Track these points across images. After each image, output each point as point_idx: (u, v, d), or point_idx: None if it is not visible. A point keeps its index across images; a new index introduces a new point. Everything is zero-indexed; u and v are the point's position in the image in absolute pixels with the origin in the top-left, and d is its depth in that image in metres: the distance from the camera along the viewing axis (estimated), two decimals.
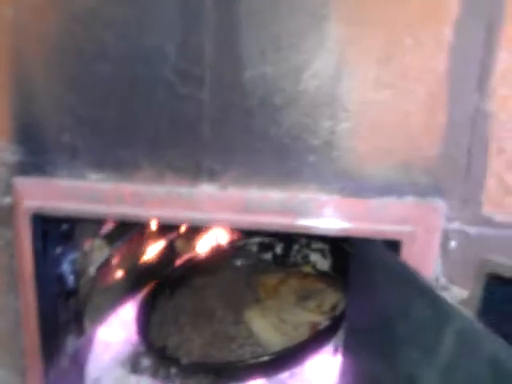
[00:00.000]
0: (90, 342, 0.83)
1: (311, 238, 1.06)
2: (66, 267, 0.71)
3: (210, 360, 0.82)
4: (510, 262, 0.52)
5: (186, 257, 1.07)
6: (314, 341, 0.79)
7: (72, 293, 0.73)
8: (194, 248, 1.08)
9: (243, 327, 0.89)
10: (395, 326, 0.48)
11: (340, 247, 0.98)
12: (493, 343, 0.35)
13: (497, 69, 0.52)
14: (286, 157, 0.57)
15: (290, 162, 0.57)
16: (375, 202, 0.57)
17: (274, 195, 0.58)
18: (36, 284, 0.65)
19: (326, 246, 1.03)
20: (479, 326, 0.37)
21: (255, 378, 0.81)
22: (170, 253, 1.05)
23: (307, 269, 1.04)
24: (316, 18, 0.53)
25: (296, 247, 1.08)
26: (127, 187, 0.60)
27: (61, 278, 0.71)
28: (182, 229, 1.05)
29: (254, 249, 1.10)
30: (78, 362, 0.79)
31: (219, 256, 1.08)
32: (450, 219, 0.57)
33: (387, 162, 0.57)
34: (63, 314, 0.72)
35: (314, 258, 1.05)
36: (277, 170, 0.58)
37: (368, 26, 0.53)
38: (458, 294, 0.55)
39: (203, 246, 1.10)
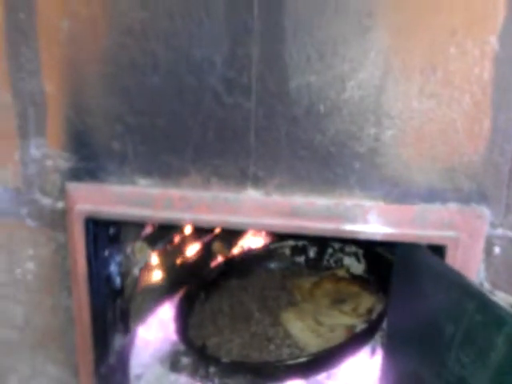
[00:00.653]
0: (132, 341, 0.86)
1: (345, 242, 1.07)
2: (113, 268, 0.74)
3: (249, 360, 0.83)
4: None
5: (221, 259, 1.09)
6: (351, 343, 0.80)
7: (119, 293, 0.76)
8: (229, 250, 1.10)
9: (280, 329, 0.90)
10: (443, 329, 0.49)
11: (374, 251, 0.99)
12: None
13: None
14: (331, 164, 0.59)
15: (334, 169, 0.59)
16: (419, 208, 0.58)
17: (319, 201, 0.59)
18: (88, 284, 0.68)
19: (359, 250, 1.04)
20: None
21: (293, 379, 0.82)
22: (206, 255, 1.07)
23: (341, 272, 1.05)
24: (361, 27, 0.55)
25: (329, 251, 1.09)
26: (175, 192, 0.62)
27: (109, 279, 0.73)
28: (218, 231, 1.07)
29: (288, 252, 1.11)
30: (124, 359, 0.82)
31: (253, 259, 1.10)
32: (493, 225, 0.58)
33: (431, 169, 0.57)
34: (111, 314, 0.75)
35: (348, 261, 1.06)
36: (322, 176, 0.59)
37: (412, 36, 0.54)
38: (504, 300, 0.56)
39: (238, 249, 1.11)
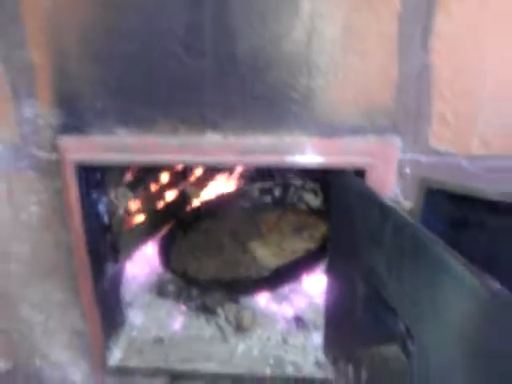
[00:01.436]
0: (122, 270, 1.01)
1: (305, 181, 1.23)
2: (101, 208, 0.88)
3: (223, 278, 1.00)
4: (445, 179, 0.68)
5: (196, 202, 1.24)
6: (305, 260, 0.96)
7: (107, 229, 0.90)
8: (202, 194, 1.25)
9: (249, 255, 1.07)
10: (360, 233, 0.65)
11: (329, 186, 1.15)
12: (412, 225, 0.52)
13: (435, 30, 0.67)
14: (274, 109, 0.72)
15: (276, 113, 0.73)
16: (345, 141, 0.72)
17: (265, 140, 0.73)
18: (82, 221, 0.82)
19: (317, 186, 1.19)
20: (408, 220, 0.54)
21: (260, 291, 0.99)
22: (182, 199, 1.22)
23: (302, 206, 1.21)
24: None
25: (292, 189, 1.25)
26: (148, 139, 0.76)
27: (98, 217, 0.87)
28: (192, 178, 1.21)
29: (256, 193, 1.27)
30: (116, 284, 0.97)
31: (225, 200, 1.25)
32: (404, 151, 0.73)
33: (354, 110, 0.72)
34: (103, 246, 0.89)
35: (308, 197, 1.22)
36: (266, 120, 0.73)
37: (334, 2, 0.67)
38: (407, 206, 0.72)
39: (211, 193, 1.26)
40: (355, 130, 0.73)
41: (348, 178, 0.72)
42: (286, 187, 1.25)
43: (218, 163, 0.76)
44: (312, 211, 1.18)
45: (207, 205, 1.24)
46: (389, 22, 0.67)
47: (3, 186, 0.83)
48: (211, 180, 1.26)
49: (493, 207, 0.63)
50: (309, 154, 0.73)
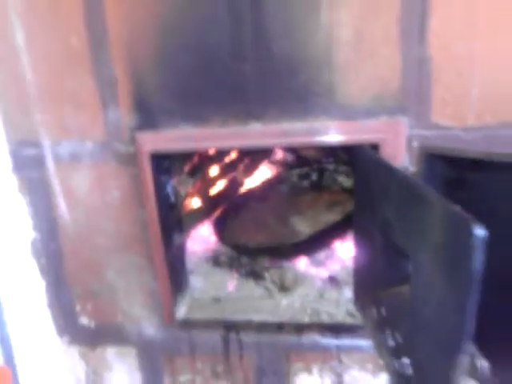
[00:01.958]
0: (185, 244, 1.22)
1: (338, 165, 1.41)
2: (169, 189, 1.09)
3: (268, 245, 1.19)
4: (443, 145, 0.85)
5: (244, 188, 1.44)
6: (337, 228, 1.14)
7: (174, 206, 1.12)
8: (249, 181, 1.45)
9: (289, 228, 1.25)
10: (375, 193, 0.83)
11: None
12: (410, 179, 0.69)
13: (429, 28, 0.84)
14: (303, 100, 0.91)
15: (306, 104, 0.91)
16: (361, 122, 0.90)
17: (298, 125, 0.92)
18: (155, 201, 1.03)
19: (349, 169, 1.37)
20: (408, 176, 0.71)
21: (299, 256, 1.18)
22: (232, 186, 1.42)
23: (335, 188, 1.38)
24: (313, 5, 0.86)
25: (327, 173, 1.43)
26: (205, 130, 0.96)
27: (167, 197, 1.09)
28: (241, 167, 1.42)
29: (295, 178, 1.45)
30: (181, 252, 1.18)
31: (268, 186, 1.44)
32: (411, 128, 0.90)
33: (368, 96, 0.89)
34: (171, 220, 1.11)
35: (340, 179, 1.40)
36: (298, 110, 0.92)
37: (345, 10, 0.85)
38: (412, 171, 0.89)
39: (256, 180, 1.46)
40: (369, 113, 0.90)
41: (365, 151, 0.90)
42: (321, 172, 1.43)
43: (260, 146, 0.95)
44: (344, 191, 1.35)
45: (254, 190, 1.43)
46: (391, 25, 0.85)
47: (94, 174, 1.06)
48: (257, 168, 1.45)
49: (480, 166, 0.79)
50: (332, 134, 0.91)
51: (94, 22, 0.94)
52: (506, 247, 0.70)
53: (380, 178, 0.82)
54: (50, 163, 1.07)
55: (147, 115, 0.99)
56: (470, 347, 0.61)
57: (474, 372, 0.63)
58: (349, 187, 1.36)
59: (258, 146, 0.95)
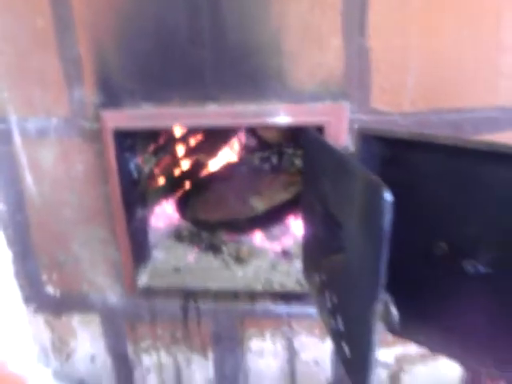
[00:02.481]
0: (148, 219, 1.29)
1: (296, 149, 1.49)
2: (132, 166, 1.16)
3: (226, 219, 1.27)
4: (377, 127, 0.94)
5: (207, 169, 1.51)
6: (289, 204, 1.23)
7: (136, 183, 1.19)
8: (212, 163, 1.53)
9: (248, 206, 1.34)
10: (317, 169, 0.91)
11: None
12: (343, 155, 0.78)
13: (368, 22, 0.92)
14: (256, 84, 0.99)
15: (258, 87, 0.99)
16: (308, 105, 0.99)
17: (251, 107, 1.00)
18: (118, 176, 1.10)
19: None
20: (342, 153, 0.80)
21: (255, 230, 1.26)
22: (196, 167, 1.50)
23: (292, 170, 1.47)
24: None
25: (285, 157, 1.51)
26: (165, 110, 1.03)
27: (130, 173, 1.15)
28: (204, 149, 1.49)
29: (256, 161, 1.54)
30: (143, 228, 1.26)
31: (231, 168, 1.52)
32: (353, 112, 0.99)
33: (314, 82, 0.98)
34: (133, 195, 1.17)
35: (298, 162, 1.48)
36: (252, 92, 1.00)
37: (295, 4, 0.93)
38: (351, 151, 0.98)
39: (219, 162, 1.54)
40: (315, 97, 0.99)
41: (310, 132, 0.98)
42: (281, 155, 1.51)
43: (216, 125, 1.03)
44: (299, 172, 1.44)
45: (216, 171, 1.51)
46: (335, 18, 0.93)
47: (59, 149, 1.12)
48: (220, 151, 1.53)
49: (412, 147, 0.88)
50: (282, 116, 0.99)
51: (59, 3, 0.99)
52: (426, 216, 0.80)
53: (321, 157, 0.91)
54: (17, 138, 1.13)
55: (111, 94, 1.05)
56: (384, 295, 0.70)
57: (386, 317, 0.72)
58: None
59: (214, 125, 1.03)
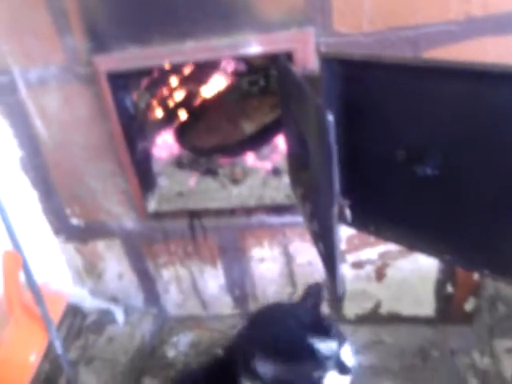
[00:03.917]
0: (150, 150, 1.43)
1: None
2: (128, 103, 1.27)
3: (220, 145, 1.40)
4: (336, 51, 1.02)
5: (199, 98, 1.62)
6: (277, 125, 1.34)
7: (134, 118, 1.31)
8: (204, 91, 1.63)
9: (238, 130, 1.45)
10: (288, 94, 1.02)
11: None
12: (303, 83, 0.88)
13: None
14: (228, 18, 1.07)
15: (230, 21, 1.07)
16: (276, 34, 1.07)
17: (226, 40, 1.09)
18: (116, 113, 1.22)
19: None
20: (304, 83, 0.90)
21: (247, 152, 1.39)
22: (189, 98, 1.60)
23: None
24: None
25: (272, 79, 1.60)
26: (150, 50, 1.13)
27: (127, 109, 1.27)
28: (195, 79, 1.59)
29: (245, 85, 1.63)
30: (146, 158, 1.40)
31: (222, 94, 1.62)
32: (318, 36, 1.07)
33: (281, 12, 1.05)
34: (133, 129, 1.30)
35: None
36: (226, 26, 1.08)
37: None
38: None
39: (211, 89, 1.64)
40: (282, 25, 1.07)
41: (280, 60, 1.07)
42: (268, 78, 1.60)
43: (195, 60, 1.13)
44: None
45: (209, 99, 1.61)
46: None
47: (61, 95, 1.24)
48: (211, 79, 1.62)
49: (370, 67, 0.97)
50: (254, 47, 1.09)
51: None
52: (385, 128, 0.91)
53: (288, 83, 1.01)
54: (22, 88, 1.25)
55: (99, 40, 1.15)
56: (340, 200, 0.84)
57: (342, 217, 0.86)
58: None
59: (194, 60, 1.13)
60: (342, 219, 0.88)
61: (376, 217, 0.94)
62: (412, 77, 0.84)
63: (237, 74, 1.64)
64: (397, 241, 0.97)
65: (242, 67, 1.68)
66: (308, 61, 1.08)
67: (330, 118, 0.73)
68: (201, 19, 1.09)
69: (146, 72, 1.36)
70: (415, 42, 1.03)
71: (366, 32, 1.04)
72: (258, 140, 1.36)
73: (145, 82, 1.40)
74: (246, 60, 1.66)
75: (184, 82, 1.58)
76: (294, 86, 0.94)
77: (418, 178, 0.89)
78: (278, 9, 1.05)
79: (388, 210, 0.95)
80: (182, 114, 1.58)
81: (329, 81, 1.02)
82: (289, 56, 1.08)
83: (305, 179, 1.09)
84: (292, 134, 1.11)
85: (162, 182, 1.44)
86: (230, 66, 1.68)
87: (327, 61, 1.00)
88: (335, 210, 0.82)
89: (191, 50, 1.11)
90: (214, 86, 1.65)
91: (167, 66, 1.22)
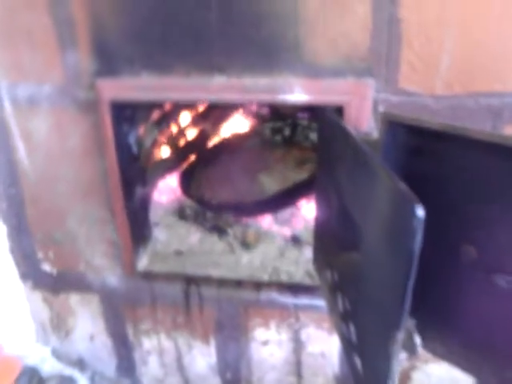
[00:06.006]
0: (149, 196, 1.21)
1: (310, 121, 1.38)
2: (131, 139, 1.06)
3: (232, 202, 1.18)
4: (404, 115, 0.82)
5: (215, 140, 1.41)
6: (302, 186, 1.12)
7: (137, 158, 1.09)
8: (220, 133, 1.42)
9: (256, 184, 1.24)
10: (334, 156, 0.81)
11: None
12: (365, 149, 0.67)
13: None
14: (268, 55, 0.87)
15: (270, 58, 0.87)
16: (327, 81, 0.87)
17: (262, 81, 0.89)
18: (116, 150, 1.00)
19: None
20: (363, 147, 0.69)
21: (263, 213, 1.17)
22: (202, 137, 1.39)
23: (307, 144, 1.36)
24: None
25: (299, 129, 1.40)
26: (167, 80, 0.92)
27: (129, 147, 1.06)
28: (211, 118, 1.38)
29: (268, 132, 1.42)
30: (144, 206, 1.17)
31: (240, 139, 1.41)
32: (378, 91, 0.87)
33: (335, 55, 0.85)
34: (133, 171, 1.08)
35: (313, 136, 1.37)
36: (263, 64, 0.88)
37: None
38: (375, 136, 0.87)
39: (227, 132, 1.43)
40: (336, 72, 0.87)
41: (328, 113, 0.87)
42: (294, 127, 1.40)
43: (222, 100, 0.92)
44: (315, 148, 1.33)
45: (224, 142, 1.40)
46: None
47: (53, 119, 1.02)
48: (229, 120, 1.42)
49: (441, 137, 0.77)
50: (296, 93, 0.88)
51: None
52: (454, 217, 0.70)
53: (338, 142, 0.80)
54: (8, 105, 1.03)
55: (108, 61, 0.94)
56: (408, 323, 0.61)
57: (409, 346, 0.64)
58: None
59: (220, 100, 0.92)
60: (407, 347, 0.65)
61: (445, 338, 0.71)
62: (501, 159, 0.64)
63: (258, 118, 1.44)
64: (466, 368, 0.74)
65: (265, 111, 1.48)
66: (362, 120, 0.88)
67: (421, 214, 0.51)
68: (236, 52, 0.88)
69: (156, 104, 1.16)
70: (498, 113, 0.83)
71: (439, 95, 0.84)
72: (280, 201, 1.14)
73: (155, 114, 1.18)
74: (272, 104, 1.47)
75: (198, 119, 1.37)
76: (350, 149, 0.73)
77: (497, 289, 0.68)
78: (335, 52, 0.85)
79: (455, 327, 0.72)
80: (192, 157, 1.36)
81: (390, 147, 0.81)
82: (338, 111, 0.87)
83: (341, 265, 0.86)
84: (329, 204, 0.89)
85: (159, 234, 1.21)
86: (251, 108, 1.48)
87: (391, 125, 0.80)
88: (401, 335, 0.59)
89: (219, 88, 0.90)
90: (232, 128, 1.44)
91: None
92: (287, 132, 1.41)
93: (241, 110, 1.45)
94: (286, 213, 1.20)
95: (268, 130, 1.42)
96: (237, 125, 1.44)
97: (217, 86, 0.90)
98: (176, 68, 0.92)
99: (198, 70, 0.91)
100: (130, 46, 0.92)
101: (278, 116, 1.45)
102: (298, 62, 0.87)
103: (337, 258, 0.88)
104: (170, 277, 1.13)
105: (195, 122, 1.37)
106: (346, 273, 0.84)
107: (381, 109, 0.88)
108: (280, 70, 0.88)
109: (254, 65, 0.89)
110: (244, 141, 1.41)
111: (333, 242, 0.90)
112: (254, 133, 1.42)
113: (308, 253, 1.10)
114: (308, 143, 1.36)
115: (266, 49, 0.87)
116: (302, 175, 1.22)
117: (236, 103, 1.26)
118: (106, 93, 0.95)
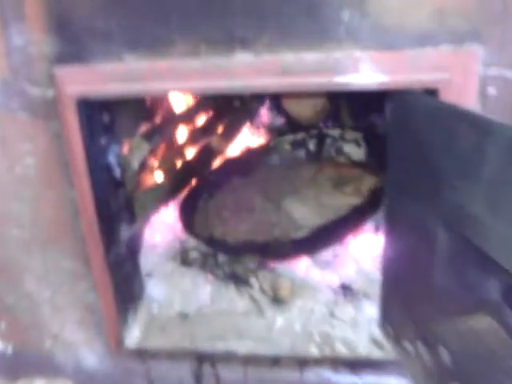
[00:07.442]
0: (139, 236, 0.88)
1: (344, 131, 1.08)
2: (111, 159, 0.75)
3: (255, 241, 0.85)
4: None
5: (222, 158, 1.09)
6: (350, 217, 0.81)
7: (120, 184, 0.77)
8: (229, 149, 1.11)
9: (283, 215, 0.92)
10: (438, 163, 0.50)
11: (374, 135, 0.99)
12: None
13: None
14: (318, 16, 0.57)
15: (322, 21, 0.57)
16: (410, 53, 0.57)
17: (309, 56, 0.58)
18: (89, 174, 0.69)
19: (358, 135, 1.04)
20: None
21: (299, 256, 0.85)
22: (206, 156, 1.08)
23: (341, 159, 1.05)
24: None
25: (329, 141, 1.10)
26: (163, 64, 0.62)
27: (109, 169, 0.75)
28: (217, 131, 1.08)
29: (287, 147, 1.12)
30: (133, 250, 0.85)
31: (254, 156, 1.10)
32: (487, 65, 0.57)
33: (420, 11, 0.56)
34: (115, 203, 0.77)
35: (348, 149, 1.07)
36: (309, 30, 0.58)
37: None
38: None
39: (238, 148, 1.12)
40: (424, 39, 0.57)
41: (415, 98, 0.57)
42: (321, 139, 1.10)
43: (249, 88, 0.61)
44: (354, 164, 1.02)
45: (234, 161, 1.09)
46: None
47: None
48: (238, 133, 1.11)
49: None
50: (365, 72, 0.57)
51: None
52: None
53: (449, 138, 0.49)
54: None
55: (72, 40, 0.65)
56: None
57: None
58: (360, 160, 1.03)
59: (246, 88, 0.61)
60: None
61: None
62: None
63: (274, 131, 1.14)
64: None
65: (281, 121, 1.19)
66: (463, 106, 0.57)
67: None
68: (269, 17, 0.58)
69: (146, 109, 0.85)
70: None
71: None
72: (321, 239, 0.82)
73: (144, 127, 0.87)
74: (286, 112, 1.17)
75: (199, 133, 1.07)
76: (489, 151, 0.42)
77: None
78: (421, 7, 0.55)
79: None
80: (193, 181, 1.05)
81: None
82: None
83: (453, 338, 0.54)
84: (421, 240, 0.58)
85: (155, 290, 0.88)
86: (263, 117, 1.18)
87: None
88: None
89: (244, 70, 0.60)
90: (242, 144, 1.13)
91: (188, 99, 0.70)
92: (312, 146, 1.11)
93: (251, 122, 1.15)
94: (327, 253, 0.88)
95: (287, 143, 1.12)
96: (248, 140, 1.14)
97: (240, 68, 0.60)
98: (177, 45, 0.61)
99: (210, 45, 0.60)
100: (106, 16, 0.62)
101: (296, 127, 1.15)
102: (365, 25, 0.57)
103: (443, 326, 0.56)
104: (173, 354, 0.80)
105: (195, 137, 1.06)
106: (467, 351, 0.52)
107: (491, 91, 0.58)
108: (337, 39, 0.58)
109: (296, 33, 0.58)
110: (259, 158, 1.10)
111: (429, 299, 0.59)
112: (270, 148, 1.11)
113: (369, 309, 0.78)
114: (343, 158, 1.05)
115: (314, 7, 0.57)
116: (344, 200, 0.91)
117: (267, 93, 0.95)
118: (71, 86, 0.65)
